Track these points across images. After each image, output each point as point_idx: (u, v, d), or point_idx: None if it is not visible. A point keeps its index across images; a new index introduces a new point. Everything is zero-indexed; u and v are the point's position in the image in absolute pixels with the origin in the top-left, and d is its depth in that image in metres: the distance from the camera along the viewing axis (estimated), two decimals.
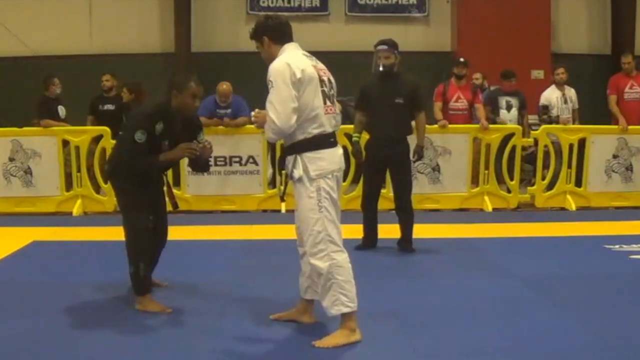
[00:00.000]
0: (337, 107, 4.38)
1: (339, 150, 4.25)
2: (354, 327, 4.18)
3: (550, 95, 9.58)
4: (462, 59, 9.59)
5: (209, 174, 9.06)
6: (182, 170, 9.07)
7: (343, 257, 4.13)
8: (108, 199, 8.97)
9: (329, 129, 4.18)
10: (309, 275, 4.36)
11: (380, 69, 6.61)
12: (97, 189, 9.18)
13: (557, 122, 9.35)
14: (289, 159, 4.20)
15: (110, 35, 12.56)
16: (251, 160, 9.11)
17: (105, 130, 8.97)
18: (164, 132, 4.85)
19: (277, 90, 4.05)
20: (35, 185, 9.04)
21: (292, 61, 4.12)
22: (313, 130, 4.13)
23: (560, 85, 9.58)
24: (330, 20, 12.94)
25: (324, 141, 4.16)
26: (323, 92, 4.17)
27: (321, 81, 4.19)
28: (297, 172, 4.13)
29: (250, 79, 11.58)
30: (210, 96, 9.37)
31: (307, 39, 14.08)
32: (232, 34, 12.74)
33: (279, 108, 4.03)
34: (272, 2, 12.81)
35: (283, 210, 9.11)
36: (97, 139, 9.02)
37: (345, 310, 4.12)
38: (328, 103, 4.20)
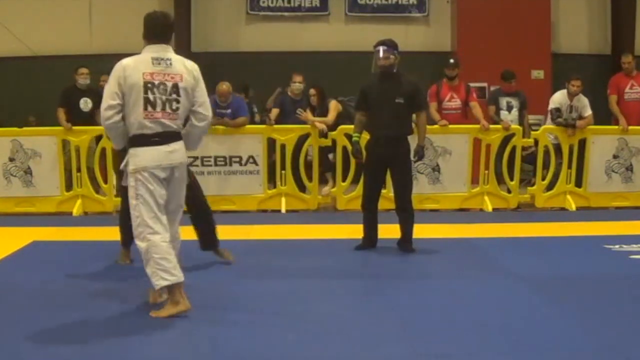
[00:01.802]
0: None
1: (164, 148, 4.60)
2: (177, 299, 4.58)
3: (560, 101, 9.49)
4: (452, 60, 9.59)
5: (210, 174, 9.09)
6: None
7: (157, 238, 4.55)
8: (108, 199, 8.99)
9: (150, 131, 4.56)
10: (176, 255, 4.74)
11: (381, 57, 6.59)
12: (97, 189, 9.19)
13: (574, 125, 9.28)
14: None
15: (110, 35, 12.56)
16: (251, 160, 9.11)
17: None
18: None
19: (107, 87, 4.60)
20: (35, 185, 9.04)
21: (128, 64, 4.57)
22: (134, 131, 4.59)
23: (571, 95, 9.42)
24: (330, 20, 12.93)
25: (143, 140, 4.58)
26: (146, 98, 4.52)
27: (148, 88, 4.53)
28: (124, 165, 4.68)
29: (250, 79, 11.65)
30: (210, 96, 9.36)
31: (307, 39, 14.28)
32: (232, 34, 12.74)
33: (103, 103, 4.58)
34: (272, 2, 12.80)
35: (283, 210, 9.13)
36: (97, 139, 9.03)
37: (164, 282, 4.55)
38: (150, 109, 4.54)
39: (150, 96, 4.53)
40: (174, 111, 4.61)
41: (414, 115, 6.89)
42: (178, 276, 4.56)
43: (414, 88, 6.73)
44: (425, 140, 7.01)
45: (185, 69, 4.70)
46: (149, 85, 4.53)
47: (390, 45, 6.63)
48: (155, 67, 4.57)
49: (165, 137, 4.60)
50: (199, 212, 6.12)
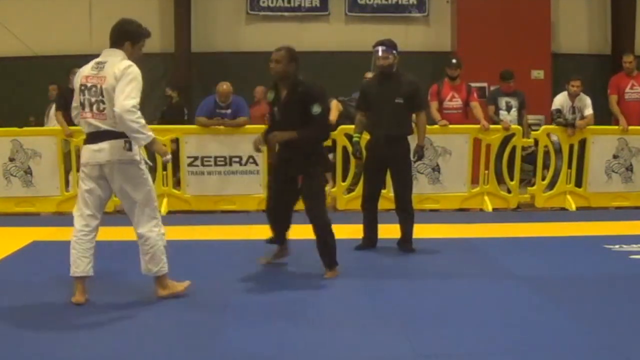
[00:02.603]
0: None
1: (92, 147, 4.90)
2: (74, 290, 4.94)
3: (562, 103, 9.48)
4: (454, 60, 9.55)
5: (210, 174, 9.08)
6: (182, 170, 9.08)
7: (73, 232, 4.93)
8: None
9: (86, 131, 4.96)
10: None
11: (380, 57, 6.59)
12: None
13: (574, 126, 9.28)
14: None
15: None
16: (251, 160, 9.11)
17: None
18: (273, 100, 5.77)
19: None
20: (35, 185, 9.04)
21: (79, 70, 5.04)
22: None
23: (572, 96, 9.45)
24: (330, 20, 12.94)
25: (85, 139, 5.00)
26: (80, 100, 4.90)
27: (82, 90, 4.88)
28: None
29: (250, 79, 11.65)
30: (210, 96, 9.39)
31: (307, 39, 14.31)
32: (232, 34, 12.75)
33: None
34: (272, 2, 12.81)
35: None
36: None
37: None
38: (82, 110, 4.91)
39: (82, 98, 4.88)
40: (100, 112, 4.83)
41: (414, 116, 6.89)
42: (73, 270, 4.91)
43: (414, 88, 6.71)
44: (425, 140, 7.00)
45: (112, 70, 4.81)
46: (82, 87, 4.88)
47: (389, 45, 6.62)
48: (92, 71, 4.88)
49: (94, 137, 4.88)
50: (315, 229, 5.79)
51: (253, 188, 9.14)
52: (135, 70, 4.80)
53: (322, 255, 5.76)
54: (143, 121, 4.77)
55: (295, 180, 5.70)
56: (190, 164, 9.07)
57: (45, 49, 12.38)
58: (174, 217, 8.73)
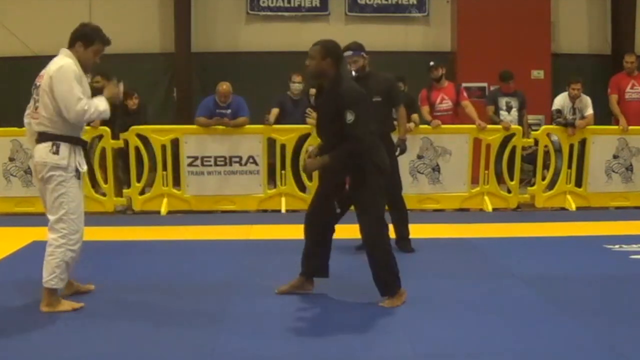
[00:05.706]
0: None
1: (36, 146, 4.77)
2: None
3: (562, 103, 9.50)
4: (431, 63, 9.54)
5: (210, 174, 9.08)
6: (182, 170, 9.08)
7: None
8: (108, 199, 8.98)
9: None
10: None
11: (349, 62, 6.60)
12: (96, 188, 9.18)
13: (574, 125, 9.28)
14: None
15: (110, 35, 12.52)
16: (251, 160, 9.12)
17: (105, 130, 8.96)
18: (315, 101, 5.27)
19: None
20: (35, 185, 9.01)
21: None
22: None
23: (572, 99, 9.44)
24: (330, 20, 12.92)
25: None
26: (33, 98, 4.78)
27: (33, 89, 4.78)
28: None
29: (249, 79, 11.66)
30: (210, 96, 9.40)
31: (307, 39, 14.11)
32: (232, 34, 12.74)
33: None
34: (272, 2, 12.80)
35: (283, 210, 9.13)
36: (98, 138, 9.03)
37: None
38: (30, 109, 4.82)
39: (34, 95, 4.78)
40: (35, 111, 4.75)
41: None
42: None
43: (390, 84, 6.75)
44: (406, 134, 6.99)
45: (49, 69, 4.73)
46: (33, 87, 4.79)
47: (356, 48, 6.60)
48: (43, 71, 4.76)
49: (38, 139, 4.75)
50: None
51: (253, 188, 9.15)
52: (67, 71, 4.66)
53: (375, 281, 5.06)
54: (90, 109, 4.69)
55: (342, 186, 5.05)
56: (190, 164, 9.07)
57: (45, 49, 12.32)
58: (174, 217, 8.74)
